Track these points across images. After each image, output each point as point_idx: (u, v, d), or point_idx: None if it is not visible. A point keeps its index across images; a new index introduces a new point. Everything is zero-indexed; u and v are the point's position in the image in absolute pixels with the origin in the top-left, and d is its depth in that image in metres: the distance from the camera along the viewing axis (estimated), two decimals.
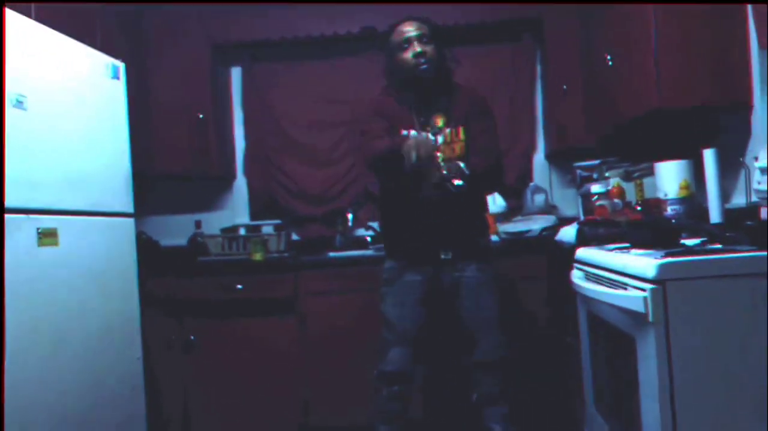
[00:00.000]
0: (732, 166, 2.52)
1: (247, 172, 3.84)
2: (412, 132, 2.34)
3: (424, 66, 2.33)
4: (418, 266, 2.41)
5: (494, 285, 2.47)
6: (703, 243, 1.99)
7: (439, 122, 2.40)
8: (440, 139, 2.37)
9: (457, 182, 2.27)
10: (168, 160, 3.49)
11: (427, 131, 2.36)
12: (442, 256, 2.40)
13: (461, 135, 2.39)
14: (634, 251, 1.96)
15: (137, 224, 2.79)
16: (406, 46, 2.36)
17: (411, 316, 2.41)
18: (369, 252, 3.35)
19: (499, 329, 2.45)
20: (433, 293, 2.43)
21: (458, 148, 2.39)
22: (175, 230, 3.73)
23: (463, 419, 2.70)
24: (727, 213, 2.44)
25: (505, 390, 2.48)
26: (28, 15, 2.28)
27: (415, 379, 2.49)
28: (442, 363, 2.98)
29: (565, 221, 3.27)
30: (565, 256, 2.63)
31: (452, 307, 2.43)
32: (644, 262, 1.69)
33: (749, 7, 2.44)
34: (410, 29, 2.37)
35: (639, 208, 2.71)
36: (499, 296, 2.47)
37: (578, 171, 3.29)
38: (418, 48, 2.33)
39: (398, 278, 2.42)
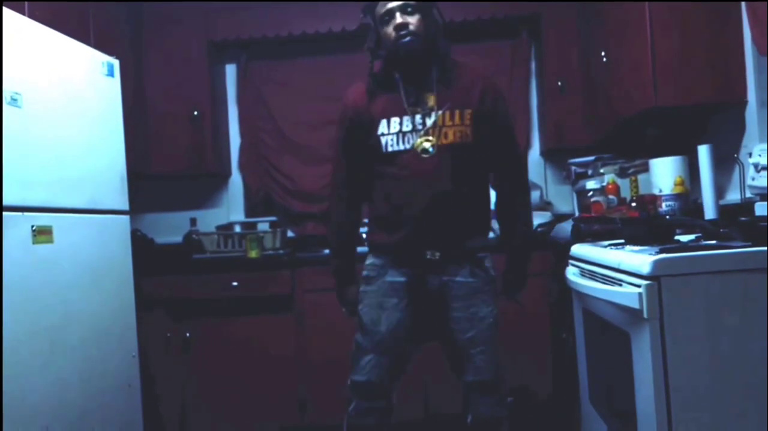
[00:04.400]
0: (726, 162, 2.53)
1: (243, 169, 3.84)
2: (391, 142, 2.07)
3: (407, 39, 2.01)
4: (402, 266, 2.09)
5: (491, 294, 2.09)
6: (697, 239, 2.00)
7: (430, 101, 2.06)
8: (429, 121, 2.03)
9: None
10: (163, 157, 3.48)
11: (417, 114, 2.05)
12: (428, 256, 2.06)
13: (458, 119, 2.04)
14: (628, 247, 1.97)
15: (132, 222, 2.78)
16: (387, 18, 2.04)
17: (388, 322, 2.07)
18: (365, 249, 3.34)
19: (494, 343, 2.08)
20: (419, 299, 2.09)
21: (453, 133, 2.03)
22: (170, 228, 3.71)
23: None
24: (722, 209, 2.45)
25: (506, 411, 2.12)
26: (22, 12, 2.27)
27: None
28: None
29: (560, 217, 3.28)
30: (560, 252, 2.63)
31: (441, 317, 2.08)
32: (639, 258, 1.69)
33: (743, 5, 2.46)
34: (394, 1, 2.04)
35: (634, 204, 2.72)
36: (496, 307, 2.10)
37: (573, 168, 3.29)
38: (399, 19, 2.01)
39: (379, 278, 2.11)
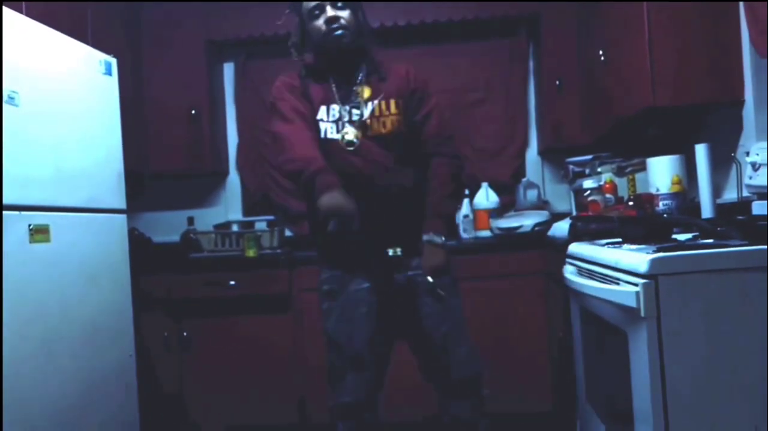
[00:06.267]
0: (723, 161, 2.53)
1: (240, 168, 3.84)
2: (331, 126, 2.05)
3: (339, 32, 2.01)
4: (364, 271, 2.02)
5: (456, 286, 2.08)
6: (694, 238, 2.00)
7: (365, 93, 2.06)
8: (367, 112, 2.04)
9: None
10: (161, 156, 3.48)
11: (350, 105, 2.05)
12: (390, 253, 1.98)
13: (394, 108, 2.05)
14: (626, 246, 1.97)
15: (129, 221, 2.78)
16: (317, 12, 2.03)
17: (361, 335, 2.01)
18: None
19: (468, 338, 2.08)
20: (386, 300, 2.03)
21: (390, 122, 2.04)
22: (167, 227, 3.71)
23: None
24: (719, 208, 2.45)
25: (483, 405, 2.11)
26: (20, 11, 2.27)
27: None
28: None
29: (557, 216, 3.28)
30: (557, 251, 2.63)
31: (411, 315, 2.03)
32: (636, 257, 1.69)
33: (741, 5, 2.46)
34: None
35: (631, 203, 2.72)
36: (461, 301, 2.09)
37: (571, 167, 3.30)
38: (330, 12, 2.01)
39: (342, 290, 2.04)
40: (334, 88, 2.07)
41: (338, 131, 2.03)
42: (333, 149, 2.02)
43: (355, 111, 2.05)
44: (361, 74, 2.09)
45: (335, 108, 2.05)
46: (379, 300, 2.03)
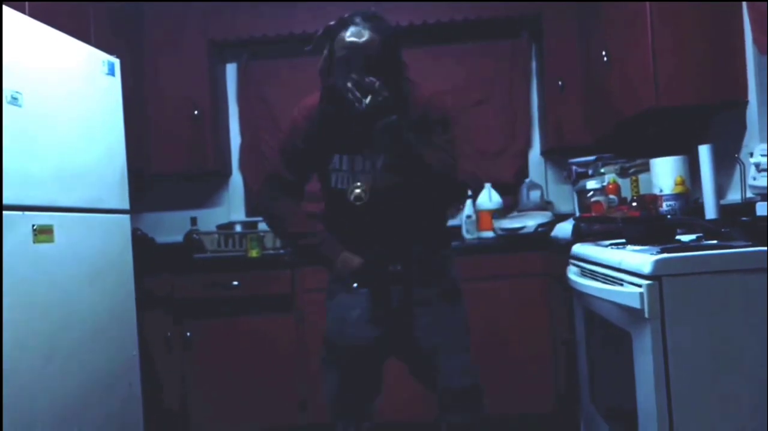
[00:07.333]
0: (727, 162, 2.53)
1: (243, 168, 3.84)
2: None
3: (364, 105, 1.80)
4: (366, 280, 2.05)
5: (455, 300, 2.07)
6: (698, 239, 2.00)
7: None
8: (380, 161, 1.97)
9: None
10: (164, 156, 3.48)
11: (363, 155, 1.98)
12: (390, 268, 2.02)
13: None
14: (629, 247, 1.97)
15: (133, 221, 2.78)
16: (345, 68, 1.86)
17: (353, 336, 2.03)
18: None
19: (465, 350, 2.06)
20: (383, 309, 2.04)
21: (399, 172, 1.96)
22: (170, 227, 3.71)
23: None
24: (723, 209, 2.45)
25: (477, 420, 2.06)
26: (23, 11, 2.27)
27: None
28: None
29: (560, 217, 3.27)
30: (560, 252, 2.63)
31: (405, 325, 2.03)
32: (640, 258, 1.69)
33: (744, 5, 2.46)
34: (355, 43, 1.87)
35: (635, 204, 2.72)
36: (463, 313, 2.08)
37: (574, 167, 3.29)
38: (356, 77, 1.82)
39: (341, 290, 2.07)
40: (351, 136, 1.94)
41: (348, 181, 1.99)
42: (343, 197, 2.00)
43: (367, 162, 1.98)
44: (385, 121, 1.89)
45: (347, 158, 2.00)
46: (374, 308, 2.03)
